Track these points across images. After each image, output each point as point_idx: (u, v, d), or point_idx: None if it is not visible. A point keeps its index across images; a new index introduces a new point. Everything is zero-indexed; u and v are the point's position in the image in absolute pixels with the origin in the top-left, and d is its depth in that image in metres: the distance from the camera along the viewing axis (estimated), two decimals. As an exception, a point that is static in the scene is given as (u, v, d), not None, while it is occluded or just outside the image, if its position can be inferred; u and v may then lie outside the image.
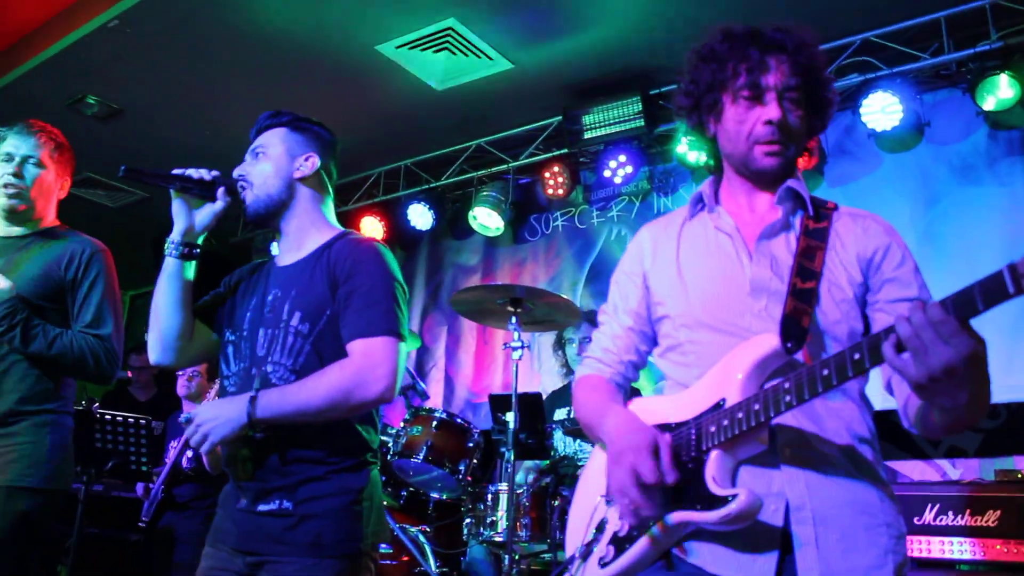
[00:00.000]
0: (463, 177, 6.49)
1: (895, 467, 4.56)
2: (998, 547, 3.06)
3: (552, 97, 5.79)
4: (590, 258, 6.09)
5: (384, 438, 4.32)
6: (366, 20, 4.98)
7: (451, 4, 4.85)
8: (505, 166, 6.27)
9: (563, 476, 4.04)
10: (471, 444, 4.12)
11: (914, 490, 3.37)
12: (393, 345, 2.00)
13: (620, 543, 1.60)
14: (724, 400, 1.53)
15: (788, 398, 1.42)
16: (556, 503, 3.90)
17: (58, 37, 5.27)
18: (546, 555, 4.05)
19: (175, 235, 2.17)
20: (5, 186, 2.75)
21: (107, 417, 3.90)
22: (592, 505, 1.73)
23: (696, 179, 5.66)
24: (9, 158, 2.77)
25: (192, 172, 2.16)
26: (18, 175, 2.77)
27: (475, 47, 5.23)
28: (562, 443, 4.43)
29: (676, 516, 1.50)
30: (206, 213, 2.19)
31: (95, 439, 3.83)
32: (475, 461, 4.13)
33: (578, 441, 4.36)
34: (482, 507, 4.02)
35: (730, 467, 1.51)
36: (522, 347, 3.85)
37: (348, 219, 6.52)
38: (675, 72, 1.86)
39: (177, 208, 2.17)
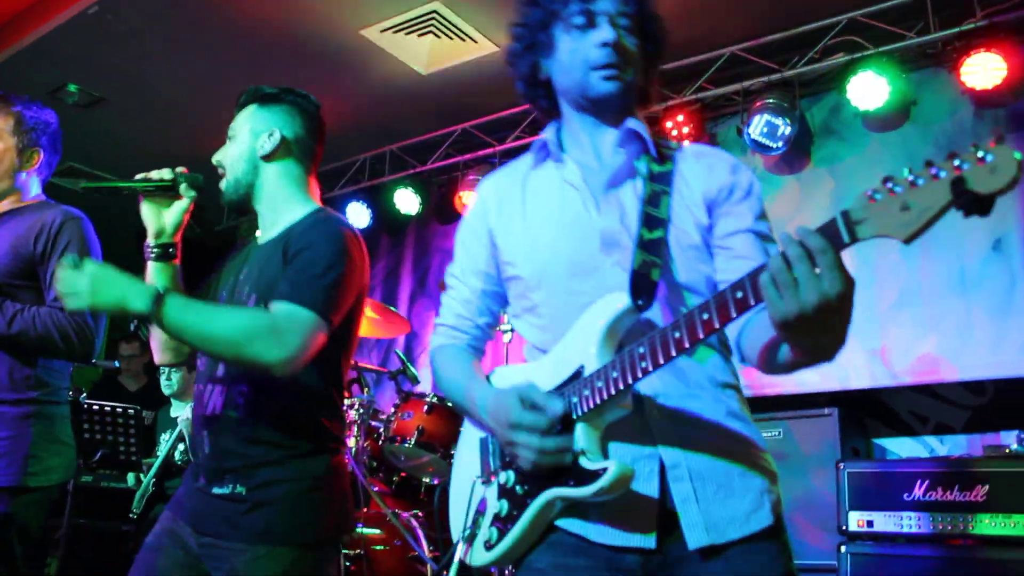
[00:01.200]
0: (449, 162, 6.46)
1: (883, 444, 4.59)
2: (987, 522, 3.09)
3: (538, 80, 5.76)
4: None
5: (375, 423, 4.31)
6: (350, 5, 4.93)
7: (435, -13, 4.82)
8: (491, 150, 6.24)
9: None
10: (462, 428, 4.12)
11: (903, 466, 3.40)
12: (316, 324, 1.89)
13: (503, 523, 1.58)
14: (583, 367, 1.49)
15: (644, 364, 1.39)
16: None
17: (37, 25, 5.20)
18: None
19: (149, 239, 2.14)
20: None
21: (95, 408, 3.89)
22: (468, 488, 1.70)
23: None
24: None
25: (153, 174, 2.12)
26: None
27: (460, 30, 5.19)
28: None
29: (550, 493, 1.50)
30: (175, 212, 2.14)
31: (83, 430, 3.81)
32: (466, 445, 4.12)
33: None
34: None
35: (598, 436, 1.49)
36: (512, 330, 3.84)
37: (334, 205, 6.46)
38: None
39: (145, 212, 2.13)
